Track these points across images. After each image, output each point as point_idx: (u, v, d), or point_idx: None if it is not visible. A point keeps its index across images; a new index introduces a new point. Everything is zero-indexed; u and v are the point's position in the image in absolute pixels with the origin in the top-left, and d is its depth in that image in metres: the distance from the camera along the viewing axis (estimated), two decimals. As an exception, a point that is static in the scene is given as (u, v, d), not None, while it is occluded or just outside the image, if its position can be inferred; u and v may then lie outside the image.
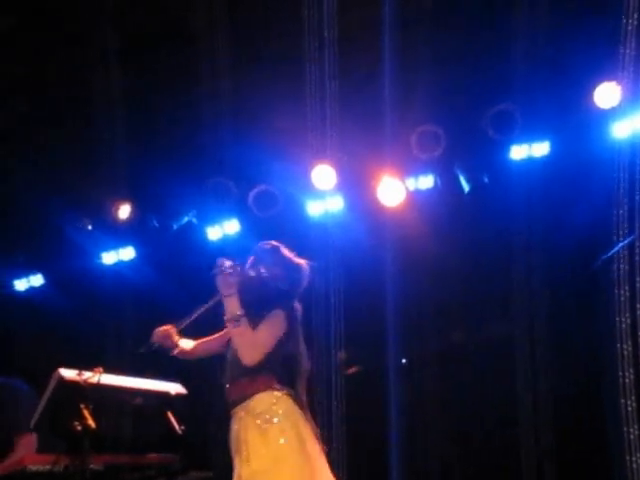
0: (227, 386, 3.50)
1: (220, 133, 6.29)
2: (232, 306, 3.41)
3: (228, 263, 3.44)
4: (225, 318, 3.43)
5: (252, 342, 3.38)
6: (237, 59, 6.20)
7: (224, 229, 6.37)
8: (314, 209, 6.08)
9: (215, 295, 3.45)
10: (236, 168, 6.27)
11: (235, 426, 3.44)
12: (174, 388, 5.11)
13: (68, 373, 3.76)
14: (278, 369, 3.41)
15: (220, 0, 6.13)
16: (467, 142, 5.70)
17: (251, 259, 3.57)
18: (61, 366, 3.80)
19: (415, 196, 5.89)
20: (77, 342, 6.45)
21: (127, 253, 6.73)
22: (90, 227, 6.87)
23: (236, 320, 3.39)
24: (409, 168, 5.89)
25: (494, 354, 5.60)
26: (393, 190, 5.87)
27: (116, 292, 6.54)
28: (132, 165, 6.60)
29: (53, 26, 6.36)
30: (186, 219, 6.51)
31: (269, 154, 6.12)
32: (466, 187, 5.82)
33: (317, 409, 5.61)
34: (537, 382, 5.39)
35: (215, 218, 6.37)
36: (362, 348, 5.95)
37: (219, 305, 3.45)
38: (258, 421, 3.34)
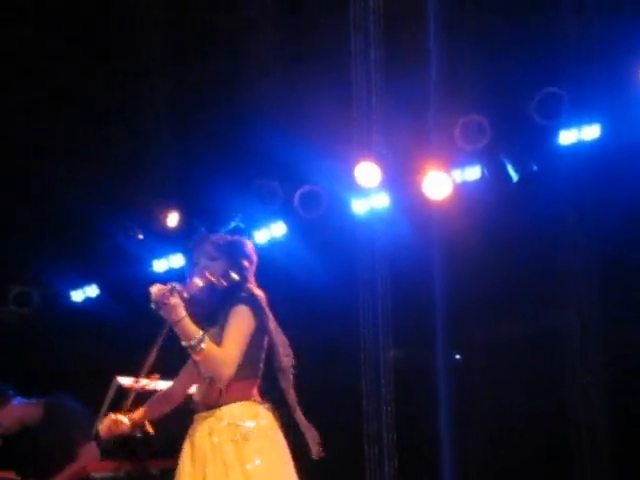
0: (200, 386, 3.09)
1: (263, 134, 6.26)
2: (186, 330, 2.91)
3: (159, 288, 2.95)
4: (184, 345, 2.95)
5: (222, 361, 2.93)
6: (281, 57, 6.15)
7: (271, 232, 6.34)
8: (359, 207, 5.99)
9: (164, 326, 2.99)
10: (280, 169, 6.22)
11: (202, 432, 3.01)
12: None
13: (125, 380, 3.79)
14: (257, 371, 3.03)
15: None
16: (513, 130, 5.52)
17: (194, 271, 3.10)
18: (118, 374, 3.83)
19: (462, 188, 5.74)
20: (132, 350, 6.48)
21: (177, 260, 6.77)
22: (141, 236, 6.92)
23: (197, 344, 2.91)
24: (455, 160, 5.75)
25: (544, 347, 5.41)
26: (439, 183, 5.73)
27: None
28: (179, 171, 6.60)
29: (101, 34, 6.38)
30: (233, 223, 6.50)
31: (313, 153, 6.05)
32: (514, 176, 5.64)
33: (365, 409, 5.53)
34: (587, 376, 5.19)
35: (261, 221, 6.34)
36: (411, 347, 5.83)
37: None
38: (236, 436, 2.94)
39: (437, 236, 5.66)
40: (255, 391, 3.07)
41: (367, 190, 5.91)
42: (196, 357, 2.95)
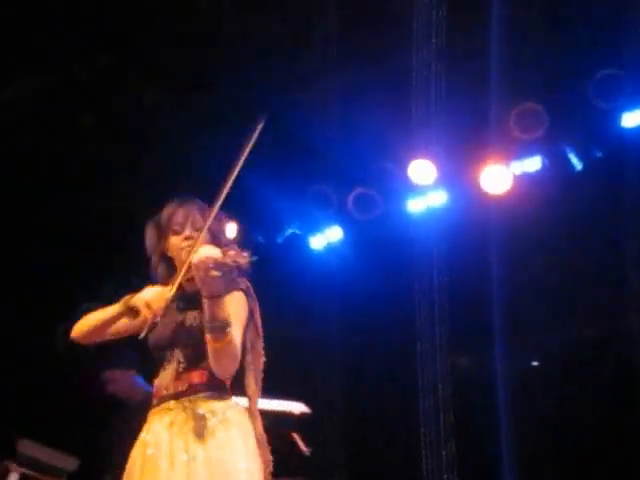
0: (171, 375, 2.67)
1: (316, 139, 6.15)
2: (222, 309, 2.51)
3: (236, 253, 2.44)
4: (207, 326, 2.53)
5: (234, 354, 2.56)
6: (338, 59, 6.03)
7: (327, 237, 6.23)
8: (415, 206, 5.81)
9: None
10: (333, 173, 6.10)
11: (177, 416, 2.61)
12: (298, 407, 4.96)
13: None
14: (241, 370, 2.65)
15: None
16: (572, 115, 5.25)
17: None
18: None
19: (522, 180, 5.49)
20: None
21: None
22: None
23: (225, 327, 2.52)
24: (513, 151, 5.50)
25: (613, 351, 5.09)
26: (498, 177, 5.50)
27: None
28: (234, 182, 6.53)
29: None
30: (289, 231, 6.43)
31: (365, 155, 5.91)
32: (577, 164, 5.37)
33: (422, 417, 5.33)
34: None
35: (317, 227, 6.25)
36: (469, 349, 5.61)
37: None
38: (211, 420, 2.57)
39: (497, 232, 5.42)
40: (229, 386, 2.71)
41: (423, 188, 5.72)
42: (215, 344, 2.52)
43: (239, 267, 2.45)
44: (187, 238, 2.74)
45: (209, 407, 2.65)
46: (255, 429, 2.69)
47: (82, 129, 6.00)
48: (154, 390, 2.76)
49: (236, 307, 2.62)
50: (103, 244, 5.75)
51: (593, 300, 5.31)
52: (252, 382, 2.73)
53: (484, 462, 5.41)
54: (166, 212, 2.83)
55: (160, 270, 2.80)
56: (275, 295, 6.14)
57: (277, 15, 6.08)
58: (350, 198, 5.96)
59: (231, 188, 2.78)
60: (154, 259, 2.82)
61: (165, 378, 2.71)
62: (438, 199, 5.74)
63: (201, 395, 2.66)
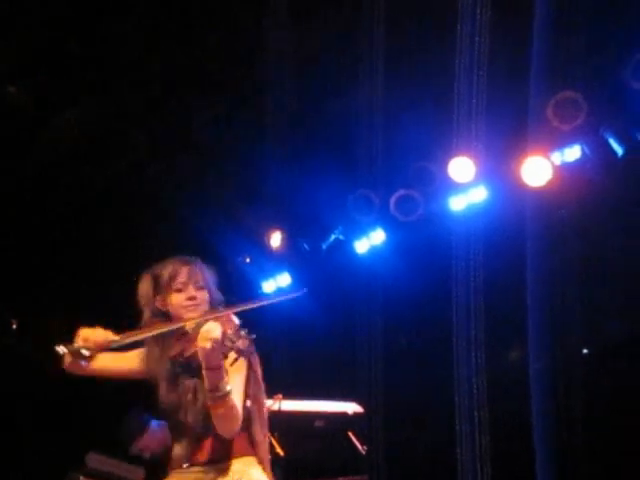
0: (188, 444, 2.79)
1: (357, 144, 6.15)
2: (222, 378, 2.60)
3: (234, 327, 2.57)
4: (208, 395, 2.61)
5: (235, 416, 2.65)
6: (379, 62, 6.02)
7: (370, 240, 6.19)
8: (457, 204, 5.74)
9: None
10: (375, 176, 6.08)
11: None
12: (351, 407, 4.94)
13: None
14: (248, 423, 2.76)
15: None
16: (610, 101, 5.11)
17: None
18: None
19: (563, 170, 5.37)
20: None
21: (284, 279, 6.72)
22: (248, 260, 6.94)
23: (226, 394, 2.61)
24: (552, 142, 5.39)
25: None
26: (538, 168, 5.39)
27: (276, 321, 6.51)
28: (279, 191, 6.57)
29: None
30: (333, 236, 6.42)
31: (405, 156, 5.88)
32: (619, 150, 5.21)
33: (457, 411, 5.23)
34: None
35: (361, 231, 6.22)
36: (504, 347, 5.50)
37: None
38: None
39: (538, 224, 5.31)
40: (250, 444, 2.82)
41: (463, 186, 5.65)
42: (217, 410, 2.62)
43: (238, 350, 2.53)
44: (190, 298, 2.82)
45: (229, 469, 2.75)
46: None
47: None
48: (172, 459, 2.84)
49: (235, 371, 2.66)
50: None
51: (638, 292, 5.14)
52: (259, 431, 2.81)
53: (517, 456, 5.29)
54: (168, 270, 2.88)
55: (151, 323, 2.85)
56: (322, 300, 6.17)
57: (321, 18, 6.11)
58: (392, 200, 5.93)
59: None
60: (147, 312, 2.88)
61: (182, 449, 2.82)
62: (479, 195, 5.66)
63: (220, 464, 2.76)
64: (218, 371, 2.59)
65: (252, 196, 6.68)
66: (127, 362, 2.92)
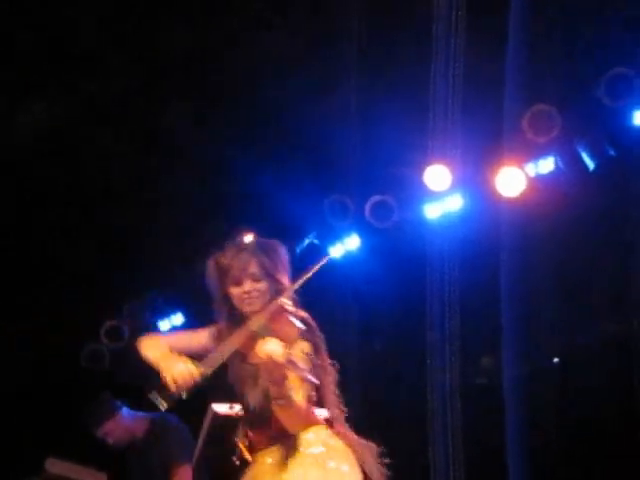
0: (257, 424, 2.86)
1: (331, 149, 6.18)
2: (285, 387, 2.70)
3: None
4: (274, 402, 2.71)
5: (299, 414, 2.76)
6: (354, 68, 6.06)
7: (345, 246, 6.24)
8: (432, 212, 5.82)
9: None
10: (350, 182, 6.13)
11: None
12: (324, 413, 4.96)
13: (221, 408, 3.70)
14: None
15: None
16: (584, 116, 5.24)
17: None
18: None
19: (537, 182, 5.49)
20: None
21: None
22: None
23: (289, 400, 2.71)
24: (527, 154, 5.51)
25: (625, 355, 5.05)
26: (512, 179, 5.51)
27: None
28: (250, 192, 6.58)
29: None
30: (307, 241, 6.44)
31: (381, 162, 5.94)
32: (590, 164, 5.35)
33: (429, 414, 5.32)
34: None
35: (335, 236, 6.25)
36: (479, 355, 5.60)
37: None
38: (331, 463, 2.76)
39: (511, 234, 5.43)
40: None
41: (439, 194, 5.74)
42: (282, 413, 2.73)
43: (298, 370, 2.62)
44: (246, 292, 2.85)
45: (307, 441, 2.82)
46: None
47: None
48: (250, 443, 2.91)
49: (297, 363, 2.67)
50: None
51: (609, 302, 5.28)
52: (332, 412, 2.88)
53: (490, 458, 5.39)
54: (225, 258, 2.90)
55: (224, 313, 2.91)
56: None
57: (297, 23, 6.14)
58: (367, 206, 5.99)
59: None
60: (217, 300, 2.92)
61: (253, 431, 2.87)
62: (454, 204, 5.75)
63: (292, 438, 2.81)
64: (281, 383, 2.63)
65: (225, 198, 6.68)
66: (199, 340, 2.93)
